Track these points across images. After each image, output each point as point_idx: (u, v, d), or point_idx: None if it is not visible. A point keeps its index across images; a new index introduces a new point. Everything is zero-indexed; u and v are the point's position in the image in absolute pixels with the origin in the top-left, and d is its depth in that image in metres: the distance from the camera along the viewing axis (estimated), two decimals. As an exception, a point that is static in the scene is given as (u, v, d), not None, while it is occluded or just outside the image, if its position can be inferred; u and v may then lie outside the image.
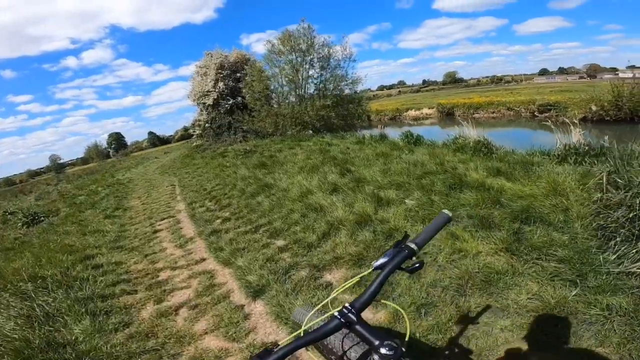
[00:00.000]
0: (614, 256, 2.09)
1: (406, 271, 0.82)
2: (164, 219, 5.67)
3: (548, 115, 16.65)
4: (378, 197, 3.77)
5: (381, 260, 0.83)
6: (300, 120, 14.41)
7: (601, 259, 2.07)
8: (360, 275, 0.93)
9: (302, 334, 0.75)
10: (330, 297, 0.99)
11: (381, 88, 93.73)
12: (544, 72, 65.17)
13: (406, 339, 0.72)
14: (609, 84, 14.23)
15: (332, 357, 1.01)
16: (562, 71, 62.15)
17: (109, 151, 61.56)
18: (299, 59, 14.90)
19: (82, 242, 4.98)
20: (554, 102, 18.53)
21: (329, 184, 4.71)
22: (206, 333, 2.35)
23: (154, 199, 7.75)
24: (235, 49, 19.35)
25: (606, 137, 4.13)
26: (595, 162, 3.69)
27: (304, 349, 0.73)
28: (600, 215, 2.49)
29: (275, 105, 16.10)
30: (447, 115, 26.50)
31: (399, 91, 76.94)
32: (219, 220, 4.82)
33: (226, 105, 18.10)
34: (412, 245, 0.85)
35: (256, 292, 2.66)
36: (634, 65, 42.61)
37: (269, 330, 2.25)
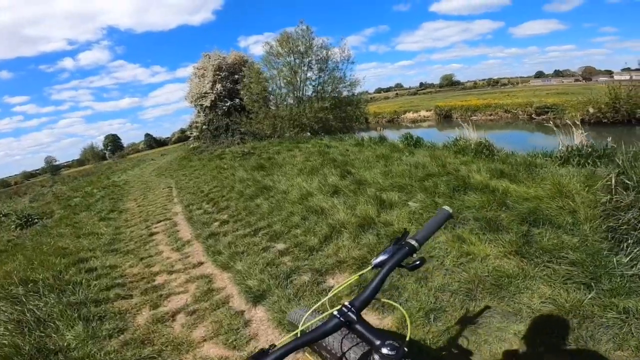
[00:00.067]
0: (627, 259, 2.03)
1: (407, 268, 0.80)
2: (161, 221, 5.56)
3: (545, 118, 16.79)
4: (380, 200, 3.70)
5: (381, 258, 0.81)
6: (298, 122, 14.33)
7: (614, 261, 2.01)
8: (360, 273, 0.90)
9: (299, 335, 0.72)
10: (328, 296, 0.93)
11: (379, 90, 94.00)
12: (539, 75, 65.48)
13: (407, 338, 0.71)
14: (606, 86, 14.35)
15: (331, 358, 0.95)
16: (557, 74, 62.50)
17: (105, 153, 61.05)
18: (297, 61, 14.83)
19: (76, 244, 4.85)
20: (551, 105, 18.64)
21: (330, 186, 4.63)
22: (205, 340, 2.26)
23: (150, 201, 7.63)
24: (233, 51, 19.25)
25: (609, 139, 4.11)
26: (599, 163, 3.66)
27: (300, 351, 0.69)
28: (610, 217, 2.43)
29: (273, 107, 16.02)
30: (445, 118, 26.62)
31: (397, 94, 77.04)
32: (216, 223, 4.72)
33: (224, 107, 17.99)
34: (413, 242, 0.82)
35: (257, 298, 2.57)
36: (629, 68, 43.15)
37: (271, 337, 2.16)
